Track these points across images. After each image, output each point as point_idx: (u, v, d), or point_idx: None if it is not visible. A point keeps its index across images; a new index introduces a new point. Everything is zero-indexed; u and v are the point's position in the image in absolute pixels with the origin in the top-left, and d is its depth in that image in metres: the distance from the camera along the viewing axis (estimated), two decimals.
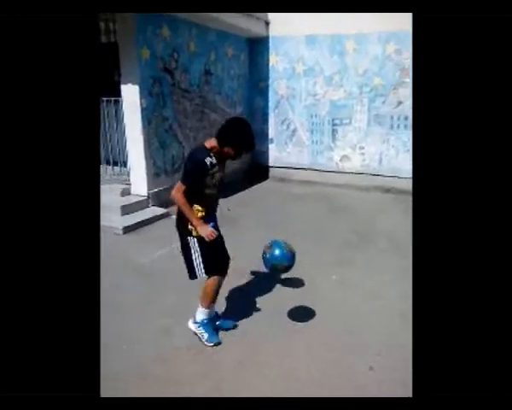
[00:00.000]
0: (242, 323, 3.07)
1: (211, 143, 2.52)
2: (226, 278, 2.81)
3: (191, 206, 2.51)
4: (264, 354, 2.74)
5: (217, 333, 2.84)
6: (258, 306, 3.32)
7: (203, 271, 2.62)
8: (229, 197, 6.67)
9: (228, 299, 3.36)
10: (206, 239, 2.50)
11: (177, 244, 2.73)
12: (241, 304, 3.32)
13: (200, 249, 2.57)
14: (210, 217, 2.63)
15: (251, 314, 3.20)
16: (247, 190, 7.35)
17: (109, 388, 2.15)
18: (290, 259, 2.64)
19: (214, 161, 2.48)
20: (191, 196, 2.48)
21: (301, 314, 3.19)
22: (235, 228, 5.08)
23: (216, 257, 2.65)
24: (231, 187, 7.00)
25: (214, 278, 2.68)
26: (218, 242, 2.63)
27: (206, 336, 2.76)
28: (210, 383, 2.45)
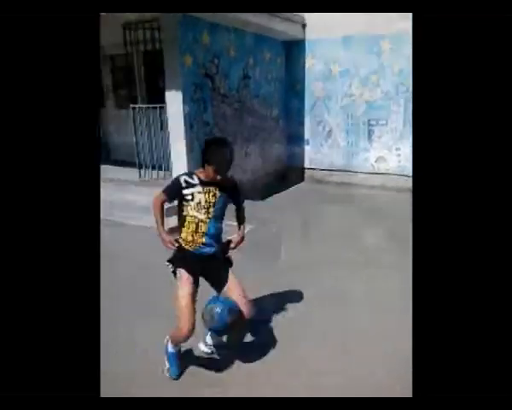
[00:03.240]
0: (274, 322, 3.23)
1: (200, 169, 2.55)
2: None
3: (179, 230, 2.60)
4: (291, 355, 2.88)
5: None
6: (290, 305, 3.47)
7: None
8: (266, 199, 6.89)
9: (261, 297, 3.52)
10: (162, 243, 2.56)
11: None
12: (273, 301, 3.48)
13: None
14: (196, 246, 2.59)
15: (282, 312, 3.37)
16: (282, 193, 7.51)
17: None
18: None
19: (194, 181, 2.47)
20: (179, 216, 2.59)
21: (329, 316, 3.32)
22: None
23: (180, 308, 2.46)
24: (267, 189, 7.24)
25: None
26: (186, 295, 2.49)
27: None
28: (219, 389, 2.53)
